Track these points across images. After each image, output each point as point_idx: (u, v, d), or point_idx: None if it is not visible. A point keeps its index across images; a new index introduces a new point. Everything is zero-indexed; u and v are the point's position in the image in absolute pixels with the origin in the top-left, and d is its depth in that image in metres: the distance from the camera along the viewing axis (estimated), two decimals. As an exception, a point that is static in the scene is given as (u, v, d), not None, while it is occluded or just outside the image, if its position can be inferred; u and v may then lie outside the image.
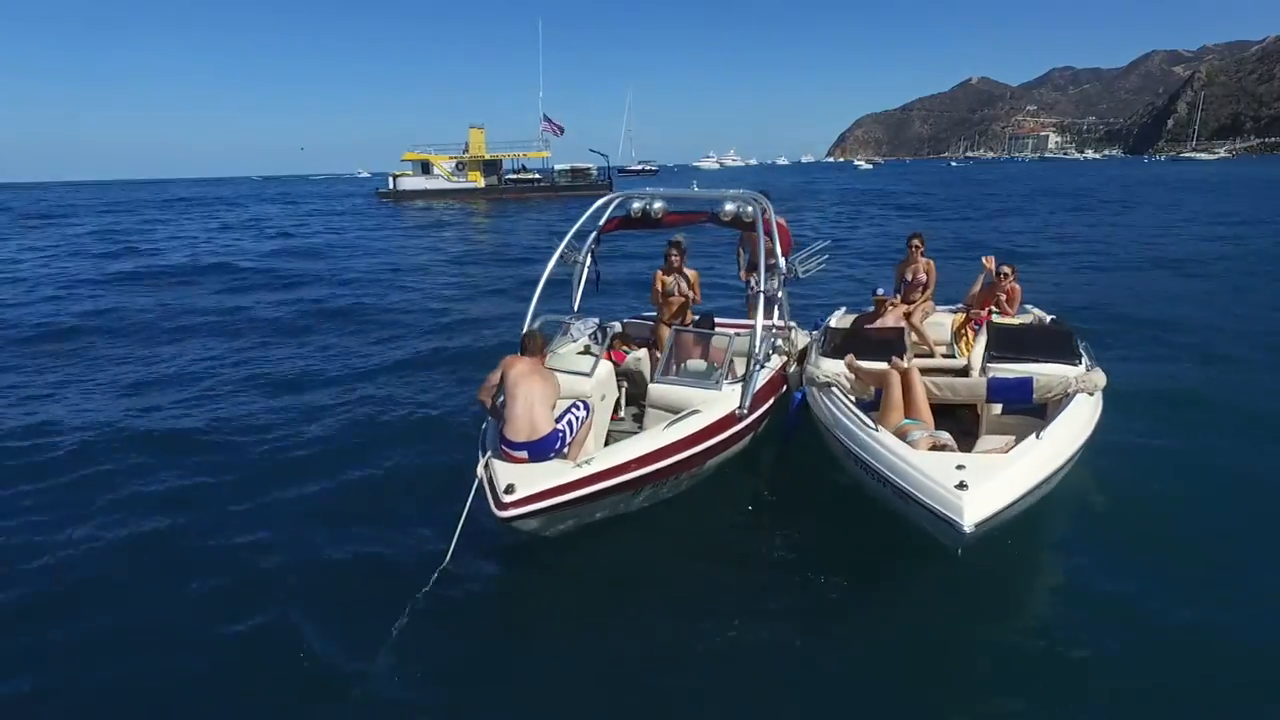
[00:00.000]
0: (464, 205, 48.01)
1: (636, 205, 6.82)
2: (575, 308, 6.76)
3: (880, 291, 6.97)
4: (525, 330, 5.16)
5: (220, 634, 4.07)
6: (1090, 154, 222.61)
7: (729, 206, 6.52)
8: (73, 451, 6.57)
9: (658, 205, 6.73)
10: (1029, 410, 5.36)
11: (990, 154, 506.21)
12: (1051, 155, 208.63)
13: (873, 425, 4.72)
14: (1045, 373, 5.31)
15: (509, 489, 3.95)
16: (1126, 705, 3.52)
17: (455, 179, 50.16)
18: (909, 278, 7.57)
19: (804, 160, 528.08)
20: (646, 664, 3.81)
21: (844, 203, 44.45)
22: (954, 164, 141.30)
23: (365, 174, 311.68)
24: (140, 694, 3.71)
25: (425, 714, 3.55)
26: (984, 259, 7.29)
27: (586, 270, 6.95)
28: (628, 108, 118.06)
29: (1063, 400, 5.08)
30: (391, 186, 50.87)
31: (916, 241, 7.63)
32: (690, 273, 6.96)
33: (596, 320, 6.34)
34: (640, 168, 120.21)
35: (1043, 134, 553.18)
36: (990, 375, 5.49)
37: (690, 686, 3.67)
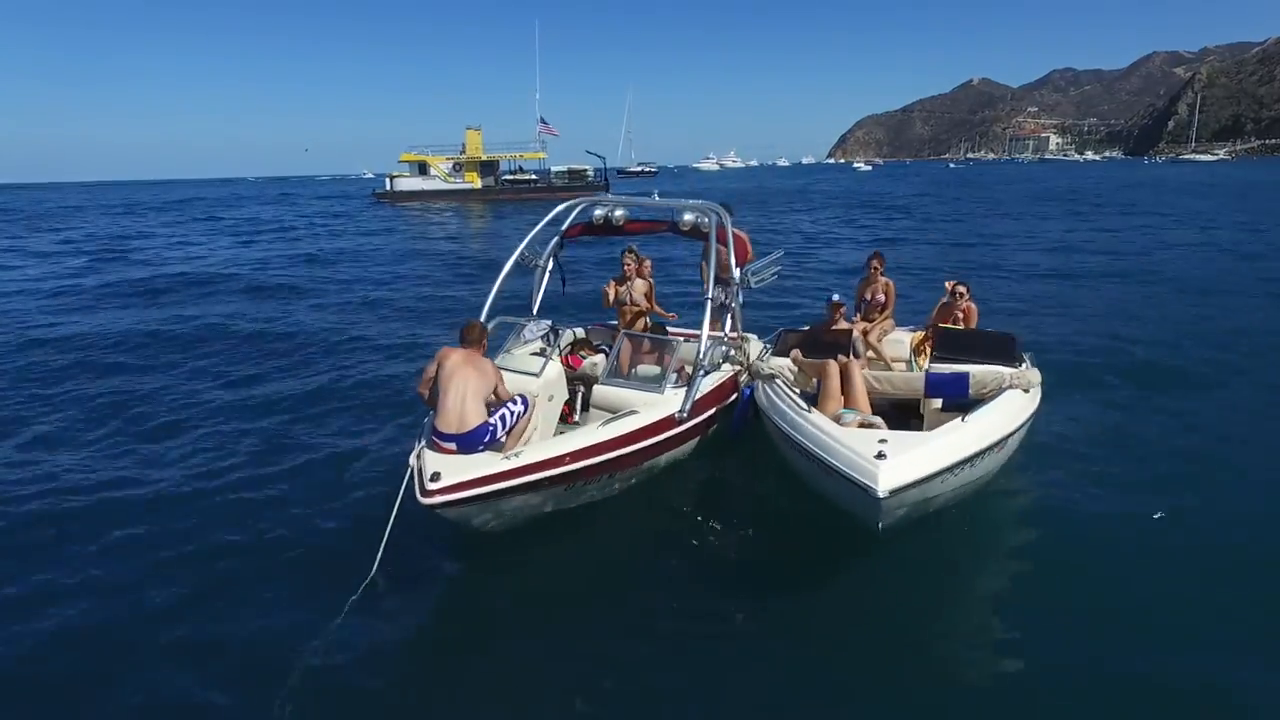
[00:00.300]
0: (460, 206, 48.30)
1: (599, 212, 6.97)
2: (534, 310, 6.91)
3: (836, 297, 7.12)
4: (466, 321, 5.23)
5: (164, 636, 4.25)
6: (1090, 155, 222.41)
7: (688, 217, 6.67)
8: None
9: (619, 213, 6.88)
10: (973, 408, 5.53)
11: (991, 155, 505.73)
12: (1051, 157, 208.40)
13: (807, 408, 4.91)
14: (982, 369, 5.49)
15: (434, 477, 4.09)
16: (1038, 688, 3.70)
17: (452, 180, 50.38)
18: (869, 297, 7.69)
19: (805, 161, 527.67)
20: (585, 660, 3.99)
21: (837, 206, 44.56)
22: (952, 165, 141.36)
23: (370, 174, 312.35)
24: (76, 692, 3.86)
25: (361, 700, 3.74)
26: (946, 282, 7.40)
27: (548, 275, 7.11)
28: (627, 109, 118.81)
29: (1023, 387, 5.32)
30: (388, 187, 51.06)
31: (876, 262, 7.72)
32: (642, 283, 7.12)
33: (549, 323, 6.48)
34: (640, 169, 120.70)
35: (1043, 135, 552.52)
36: (929, 371, 5.67)
37: (631, 678, 3.85)
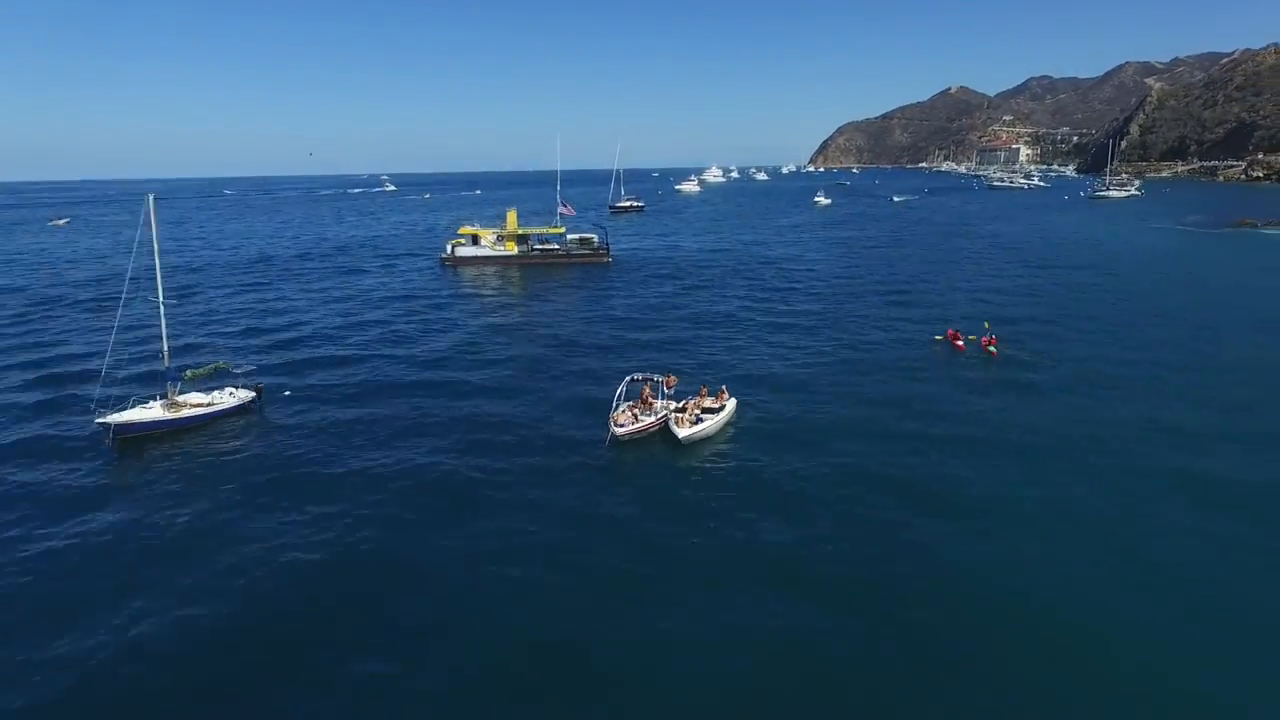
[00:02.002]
0: (502, 268, 68.81)
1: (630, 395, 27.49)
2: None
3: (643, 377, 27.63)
4: None
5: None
6: (1036, 181, 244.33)
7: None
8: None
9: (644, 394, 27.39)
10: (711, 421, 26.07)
11: (964, 167, 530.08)
12: (1001, 185, 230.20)
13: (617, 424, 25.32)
14: (709, 408, 26.14)
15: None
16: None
17: (497, 248, 70.81)
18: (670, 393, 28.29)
19: (784, 171, 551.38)
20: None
21: (738, 285, 64.42)
22: (896, 199, 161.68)
23: (386, 183, 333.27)
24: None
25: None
26: (703, 387, 27.84)
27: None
28: (618, 153, 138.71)
29: (720, 413, 26.06)
30: (450, 253, 71.43)
31: (649, 390, 28.32)
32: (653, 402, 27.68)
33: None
34: (628, 204, 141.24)
35: (1014, 147, 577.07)
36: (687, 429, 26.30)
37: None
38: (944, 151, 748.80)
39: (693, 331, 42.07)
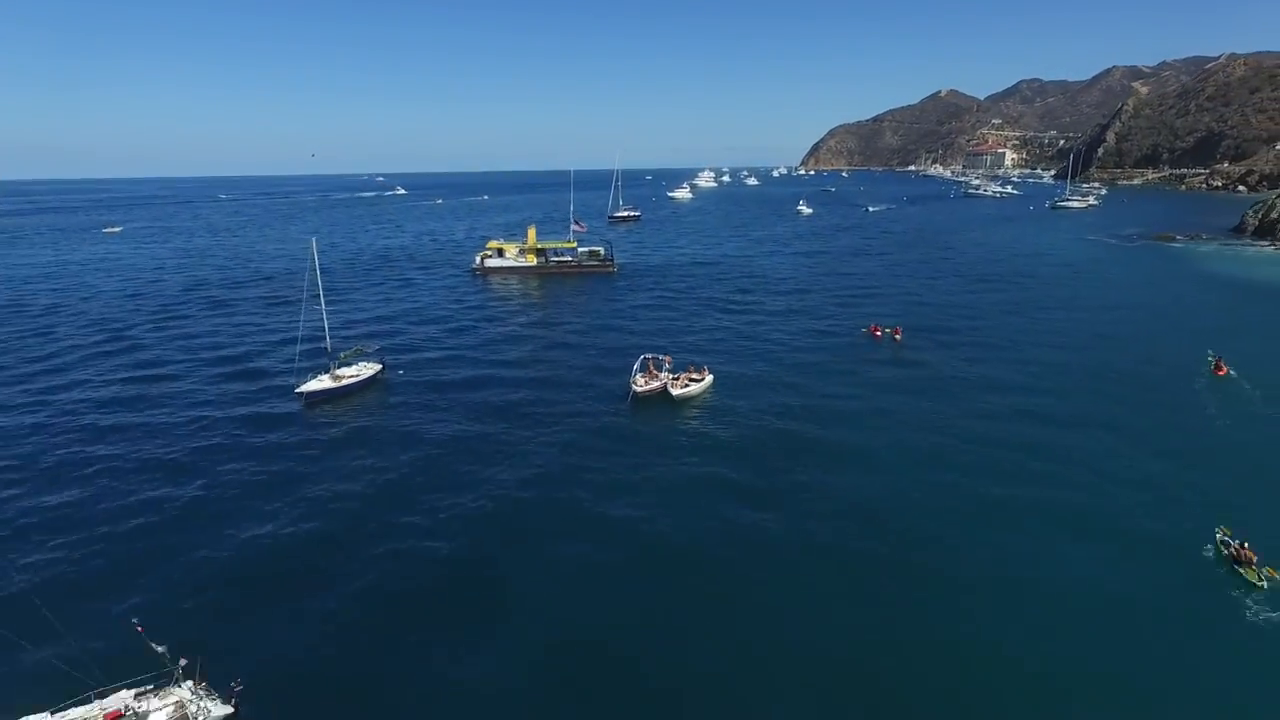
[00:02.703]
0: (524, 277, 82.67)
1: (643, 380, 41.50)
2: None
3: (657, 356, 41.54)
4: None
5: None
6: (1009, 188, 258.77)
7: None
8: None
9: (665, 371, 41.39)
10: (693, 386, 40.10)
11: (949, 171, 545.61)
12: (976, 192, 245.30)
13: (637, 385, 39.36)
14: (695, 378, 40.23)
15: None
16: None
17: (519, 260, 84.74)
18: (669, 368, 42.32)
19: (774, 174, 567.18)
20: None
21: (696, 295, 78.73)
22: (871, 209, 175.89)
23: (397, 188, 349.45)
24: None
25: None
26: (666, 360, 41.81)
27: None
28: (617, 162, 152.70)
29: (701, 382, 40.18)
30: (480, 264, 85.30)
31: (658, 362, 42.35)
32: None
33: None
34: (626, 214, 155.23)
35: (999, 151, 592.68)
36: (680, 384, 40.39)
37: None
38: (933, 155, 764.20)
39: (685, 324, 56.21)
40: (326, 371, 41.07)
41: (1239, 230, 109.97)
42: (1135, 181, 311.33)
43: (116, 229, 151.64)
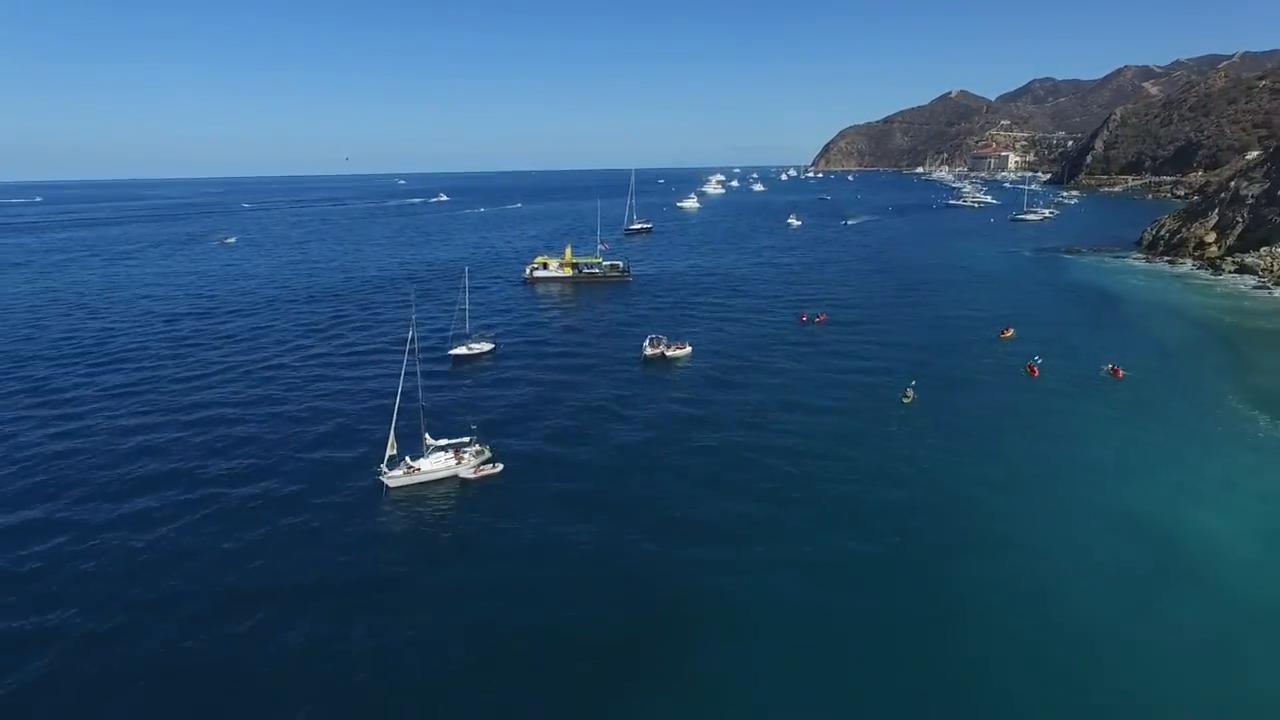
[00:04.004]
0: (562, 285, 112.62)
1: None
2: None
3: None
4: None
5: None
6: (987, 198, 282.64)
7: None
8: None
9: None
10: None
11: (951, 174, 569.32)
12: (958, 203, 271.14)
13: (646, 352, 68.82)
14: (680, 349, 69.76)
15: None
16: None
17: (558, 272, 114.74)
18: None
19: (782, 178, 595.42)
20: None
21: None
22: (849, 223, 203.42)
23: (440, 194, 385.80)
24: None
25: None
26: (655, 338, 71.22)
27: None
28: (632, 183, 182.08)
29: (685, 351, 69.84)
30: (530, 275, 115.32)
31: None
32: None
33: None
34: (640, 227, 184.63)
35: (1002, 154, 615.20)
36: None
37: None
38: (942, 156, 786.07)
39: (679, 316, 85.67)
40: (463, 343, 70.88)
41: (1139, 244, 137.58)
42: (1116, 188, 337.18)
43: (231, 239, 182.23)
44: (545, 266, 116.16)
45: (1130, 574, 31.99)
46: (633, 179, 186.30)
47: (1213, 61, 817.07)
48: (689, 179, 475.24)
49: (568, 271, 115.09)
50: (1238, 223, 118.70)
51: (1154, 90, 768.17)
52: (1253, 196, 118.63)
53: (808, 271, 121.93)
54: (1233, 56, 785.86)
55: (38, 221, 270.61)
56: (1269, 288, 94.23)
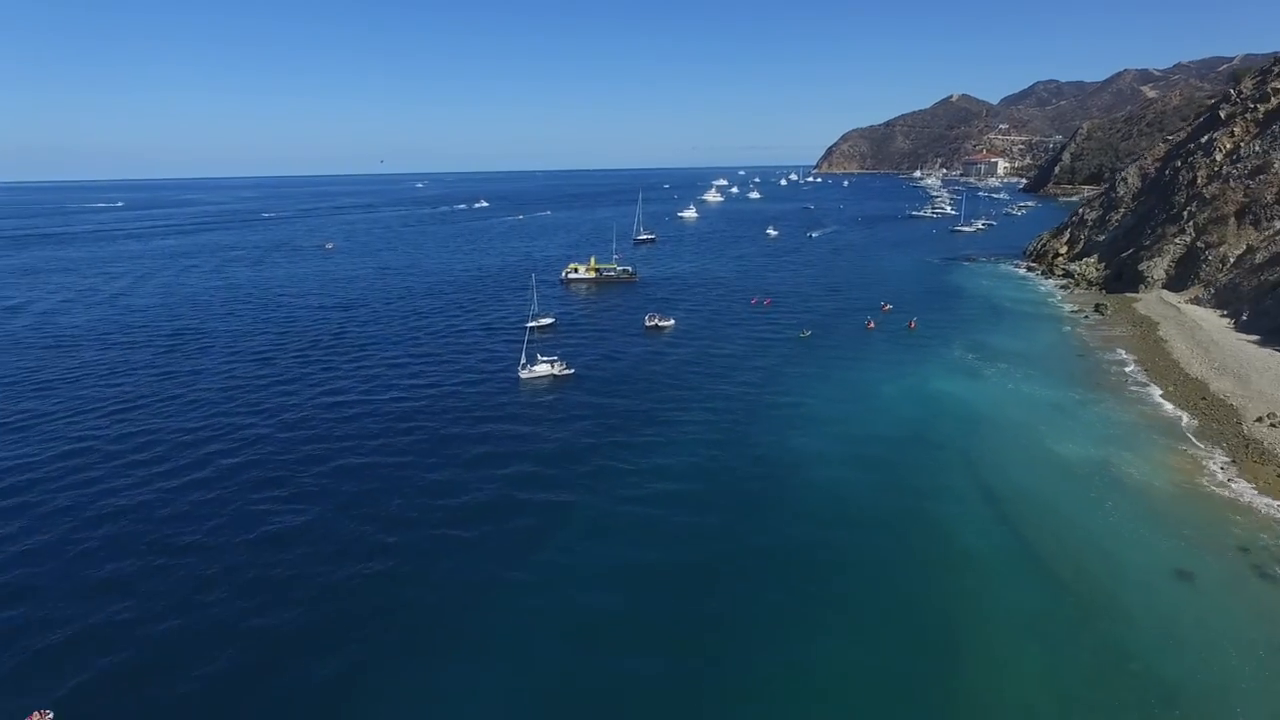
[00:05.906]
0: (589, 285, 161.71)
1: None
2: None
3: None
4: None
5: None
6: (947, 209, 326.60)
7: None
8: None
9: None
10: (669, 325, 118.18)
11: (936, 180, 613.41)
12: (936, 214, 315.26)
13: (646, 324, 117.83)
14: (667, 321, 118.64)
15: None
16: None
17: (586, 274, 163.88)
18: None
19: (781, 183, 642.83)
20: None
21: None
22: (813, 235, 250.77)
23: (481, 200, 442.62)
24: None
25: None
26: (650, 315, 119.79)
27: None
28: (640, 203, 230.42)
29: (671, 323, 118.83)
30: (565, 277, 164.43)
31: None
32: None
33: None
34: (645, 238, 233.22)
35: (992, 160, 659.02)
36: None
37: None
38: (941, 159, 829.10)
39: (670, 301, 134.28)
40: (536, 319, 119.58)
41: (1024, 253, 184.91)
42: (1074, 197, 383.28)
43: (330, 245, 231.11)
44: (576, 270, 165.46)
45: (856, 404, 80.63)
46: (640, 198, 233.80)
47: (1214, 64, 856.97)
48: (695, 182, 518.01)
49: (593, 274, 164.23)
50: (1079, 240, 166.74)
51: (1151, 94, 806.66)
52: (1089, 220, 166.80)
53: (766, 272, 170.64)
54: (1234, 59, 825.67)
55: (138, 229, 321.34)
56: (1069, 288, 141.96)
